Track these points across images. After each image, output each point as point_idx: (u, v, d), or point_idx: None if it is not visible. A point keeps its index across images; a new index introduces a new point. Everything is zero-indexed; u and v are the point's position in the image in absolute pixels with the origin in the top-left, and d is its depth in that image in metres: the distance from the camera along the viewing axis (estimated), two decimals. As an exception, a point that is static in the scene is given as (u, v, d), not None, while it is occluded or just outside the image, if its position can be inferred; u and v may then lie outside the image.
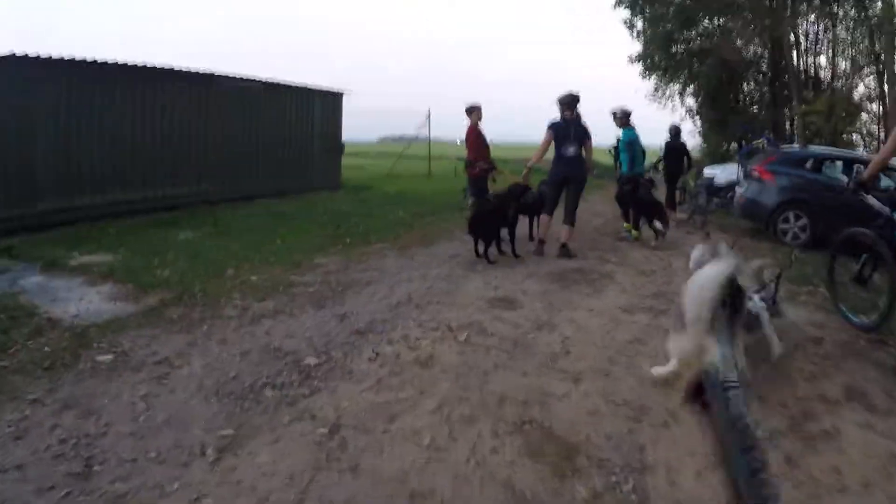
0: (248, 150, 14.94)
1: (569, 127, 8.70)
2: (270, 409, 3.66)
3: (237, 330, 5.07)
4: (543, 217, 8.93)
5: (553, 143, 8.77)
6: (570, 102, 8.79)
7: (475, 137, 10.31)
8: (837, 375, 4.38)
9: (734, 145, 30.32)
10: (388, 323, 5.28)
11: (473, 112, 10.31)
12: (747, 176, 12.32)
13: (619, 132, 11.39)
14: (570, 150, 8.71)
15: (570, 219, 8.84)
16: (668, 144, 14.38)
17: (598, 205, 15.39)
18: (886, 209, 5.51)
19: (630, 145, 11.06)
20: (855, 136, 27.09)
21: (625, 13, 30.92)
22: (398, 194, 16.27)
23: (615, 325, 5.46)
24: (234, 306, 5.71)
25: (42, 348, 4.70)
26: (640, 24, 30.98)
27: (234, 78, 14.37)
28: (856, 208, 10.03)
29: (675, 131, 14.36)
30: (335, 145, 18.39)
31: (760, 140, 16.91)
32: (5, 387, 3.98)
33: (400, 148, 28.55)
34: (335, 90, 18.34)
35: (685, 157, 14.27)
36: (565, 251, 8.65)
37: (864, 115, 27.21)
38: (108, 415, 3.58)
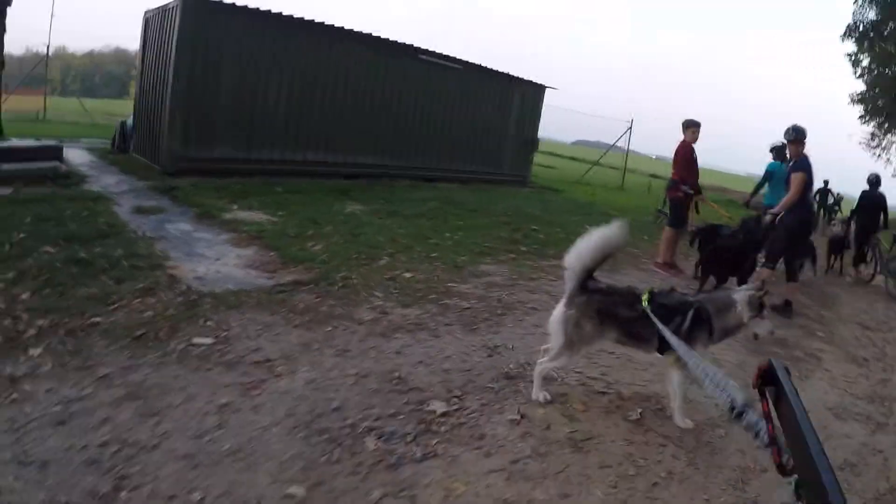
0: (438, 130, 14.33)
1: (811, 168, 7.24)
2: (364, 469, 2.75)
3: (364, 340, 4.20)
4: (765, 272, 7.33)
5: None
6: (804, 138, 7.30)
7: (687, 156, 8.95)
8: None
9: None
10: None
11: (690, 128, 8.93)
12: None
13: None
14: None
15: (794, 277, 7.66)
16: (863, 194, 12.02)
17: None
18: None
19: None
20: None
21: (851, 47, 27.77)
22: (587, 203, 15.07)
23: (825, 437, 4.02)
24: (373, 307, 4.83)
25: (144, 311, 4.14)
26: (866, 62, 27.81)
27: (436, 54, 13.76)
28: None
29: (875, 180, 11.89)
30: (530, 140, 17.42)
31: None
32: (84, 349, 3.49)
33: (595, 154, 27.28)
34: (538, 82, 17.39)
35: (882, 213, 11.76)
36: (788, 310, 7.32)
37: None
38: (170, 421, 2.92)
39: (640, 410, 3.83)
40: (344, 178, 11.36)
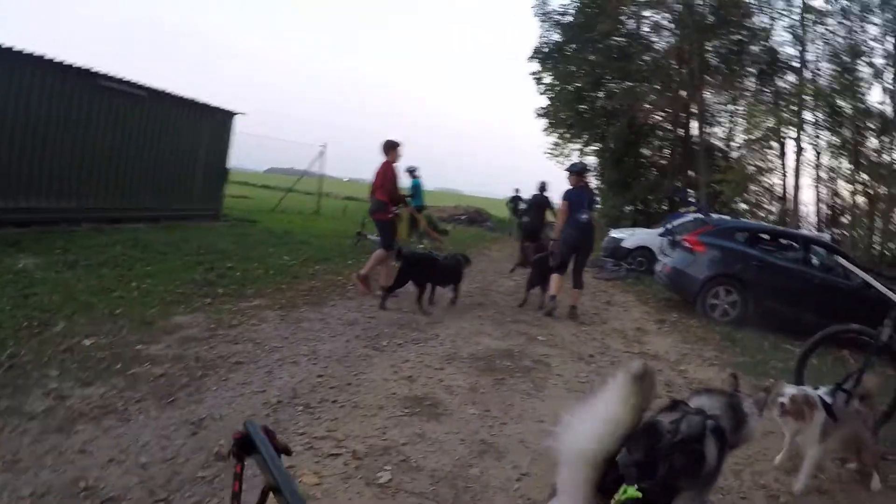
0: (123, 165, 12.99)
1: (582, 194, 9.16)
2: None
3: (38, 441, 3.35)
4: (556, 276, 9.14)
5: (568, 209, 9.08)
6: (582, 170, 9.64)
7: (393, 177, 8.95)
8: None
9: (627, 208, 30.87)
10: None
11: (394, 149, 8.92)
12: (675, 244, 11.69)
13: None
14: (584, 217, 9.04)
15: (579, 284, 9.30)
16: (533, 197, 15.08)
17: (503, 263, 14.33)
18: None
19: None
20: (744, 206, 28.24)
21: (536, 66, 31.27)
22: (284, 232, 14.61)
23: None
24: (47, 392, 3.95)
25: None
26: (548, 79, 31.25)
27: (114, 79, 12.38)
28: (795, 289, 9.82)
29: (542, 186, 14.82)
30: (221, 170, 16.60)
31: (691, 207, 17.00)
32: None
33: (289, 181, 26.94)
34: (226, 108, 16.63)
35: (546, 211, 14.50)
36: (573, 313, 9.03)
37: (751, 187, 28.26)
38: None
39: (382, 471, 3.46)
40: (15, 226, 9.81)
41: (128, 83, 12.75)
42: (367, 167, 9.16)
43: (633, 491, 2.05)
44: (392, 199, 8.89)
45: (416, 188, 15.40)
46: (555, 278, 9.17)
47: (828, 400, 3.92)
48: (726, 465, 3.83)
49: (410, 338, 6.61)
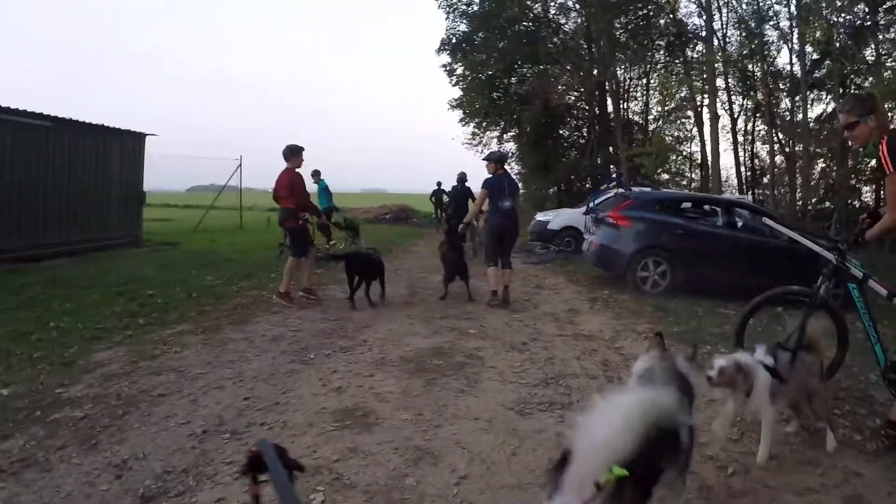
0: (35, 199, 12.68)
1: (502, 182, 9.44)
2: None
3: None
4: (491, 269, 9.42)
5: (489, 198, 9.44)
6: (500, 159, 9.93)
7: (300, 183, 9.09)
8: None
9: (551, 190, 31.20)
10: (190, 475, 3.57)
11: (297, 155, 9.06)
12: (599, 222, 11.90)
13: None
14: (507, 204, 9.35)
15: (508, 265, 9.62)
16: (453, 188, 16.29)
17: (430, 259, 14.39)
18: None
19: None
20: (665, 176, 28.75)
21: (446, 59, 31.28)
22: (207, 252, 14.43)
23: (519, 442, 4.13)
24: None
25: None
26: (460, 70, 31.31)
27: (14, 110, 12.06)
28: (722, 253, 10.08)
29: (462, 177, 16.03)
30: (137, 194, 16.26)
31: (612, 183, 17.31)
32: None
33: (211, 198, 26.56)
34: (136, 131, 16.34)
35: (467, 201, 15.12)
36: (506, 295, 9.39)
37: (671, 157, 28.86)
38: None
39: (320, 489, 3.44)
40: None
41: (29, 113, 12.43)
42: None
43: (619, 470, 2.00)
44: (302, 206, 8.94)
45: (323, 191, 15.89)
46: (491, 272, 9.43)
47: (768, 362, 3.94)
48: None
49: (338, 346, 6.60)
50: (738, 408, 4.06)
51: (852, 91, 21.16)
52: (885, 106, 15.68)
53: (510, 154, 14.37)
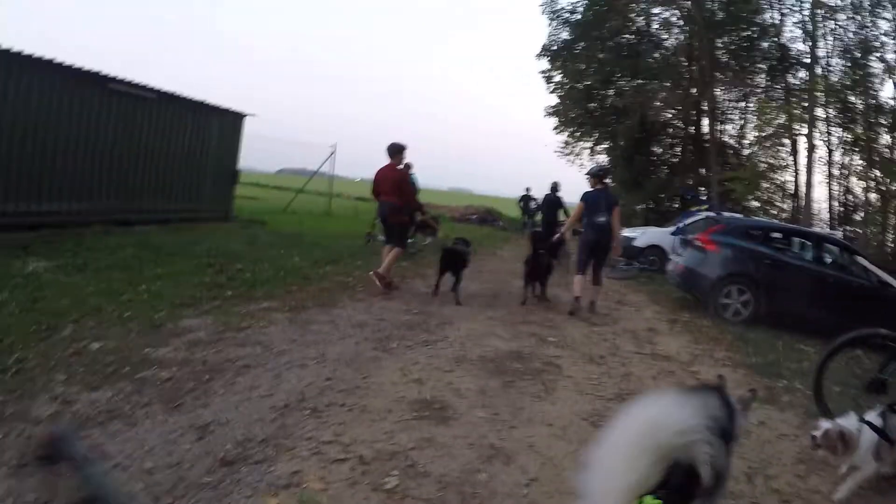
0: (133, 167, 13.00)
1: (600, 197, 9.55)
2: None
3: None
4: (578, 277, 9.50)
5: (585, 211, 9.60)
6: (599, 174, 10.05)
7: (408, 182, 9.53)
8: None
9: (639, 207, 30.80)
10: (269, 446, 3.57)
11: (400, 153, 9.24)
12: (686, 243, 11.71)
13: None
14: (602, 218, 9.42)
15: (597, 279, 9.78)
16: (546, 197, 16.10)
17: (514, 263, 14.29)
18: None
19: None
20: (756, 203, 28.19)
21: (545, 64, 31.24)
22: (295, 234, 14.57)
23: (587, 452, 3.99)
24: (54, 397, 3.91)
25: None
26: (558, 77, 31.20)
27: (124, 81, 12.42)
28: (808, 288, 9.73)
29: (554, 186, 16.04)
30: (231, 171, 16.61)
31: (704, 206, 17.06)
32: None
33: (300, 181, 26.90)
34: (236, 110, 16.64)
35: (560, 210, 15.50)
36: (592, 308, 9.56)
37: (763, 184, 28.17)
38: None
39: (389, 477, 3.40)
40: (25, 229, 9.78)
41: (137, 86, 12.81)
42: (377, 168, 9.26)
43: (651, 500, 1.88)
44: (410, 204, 9.13)
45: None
46: (577, 280, 9.49)
47: (877, 423, 3.86)
48: (739, 470, 3.78)
49: (420, 340, 6.56)
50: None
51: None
52: None
53: (606, 167, 14.69)
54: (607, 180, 10.81)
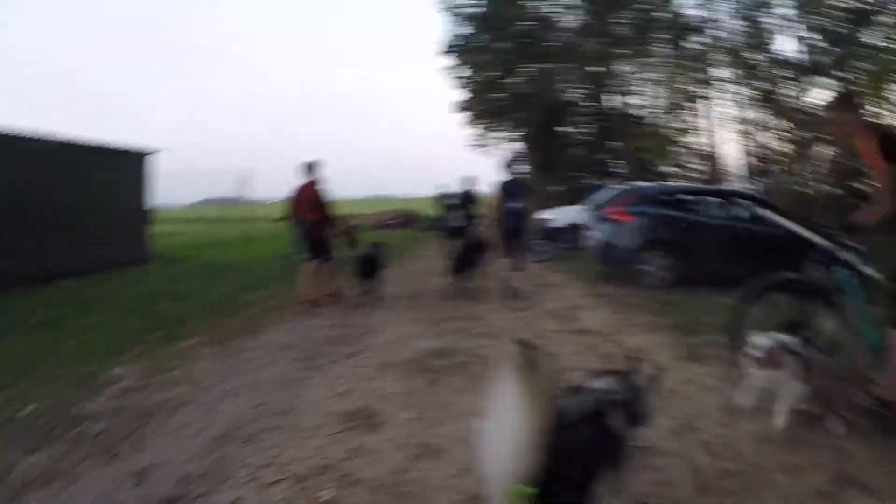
0: (38, 221, 12.79)
1: (513, 184, 10.34)
2: None
3: None
4: (503, 261, 10.45)
5: (503, 198, 10.25)
6: (510, 164, 10.90)
7: (324, 197, 9.56)
8: None
9: (556, 188, 31.25)
10: (207, 479, 3.73)
11: (316, 169, 9.56)
12: (601, 218, 11.98)
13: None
14: (515, 205, 10.17)
15: (519, 265, 10.44)
16: (463, 192, 15.22)
17: (436, 262, 14.55)
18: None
19: None
20: (672, 169, 28.86)
21: (450, 61, 31.42)
22: (218, 264, 14.65)
23: None
24: None
25: None
26: (464, 72, 31.48)
27: (16, 136, 12.28)
28: (723, 244, 10.23)
29: (469, 181, 15.14)
30: (146, 210, 16.50)
31: (613, 179, 17.41)
32: None
33: (220, 211, 26.74)
34: (141, 149, 16.55)
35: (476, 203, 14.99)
36: (514, 292, 10.08)
37: (676, 149, 28.87)
38: None
39: (324, 490, 3.58)
40: None
41: (31, 139, 12.65)
42: (295, 186, 9.57)
43: (521, 489, 1.98)
44: (327, 218, 9.39)
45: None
46: (502, 263, 10.46)
47: (800, 349, 4.19)
48: (667, 428, 4.02)
49: (345, 353, 6.73)
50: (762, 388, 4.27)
51: (852, 76, 21.17)
52: (883, 88, 15.78)
53: (518, 155, 15.10)
54: (520, 168, 11.45)
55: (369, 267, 10.03)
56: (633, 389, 2.91)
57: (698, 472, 3.68)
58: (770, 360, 4.07)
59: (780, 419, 4.12)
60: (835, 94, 5.04)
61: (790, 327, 4.56)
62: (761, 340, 4.14)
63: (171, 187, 24.23)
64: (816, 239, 5.19)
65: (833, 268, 4.93)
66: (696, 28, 27.79)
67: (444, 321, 8.25)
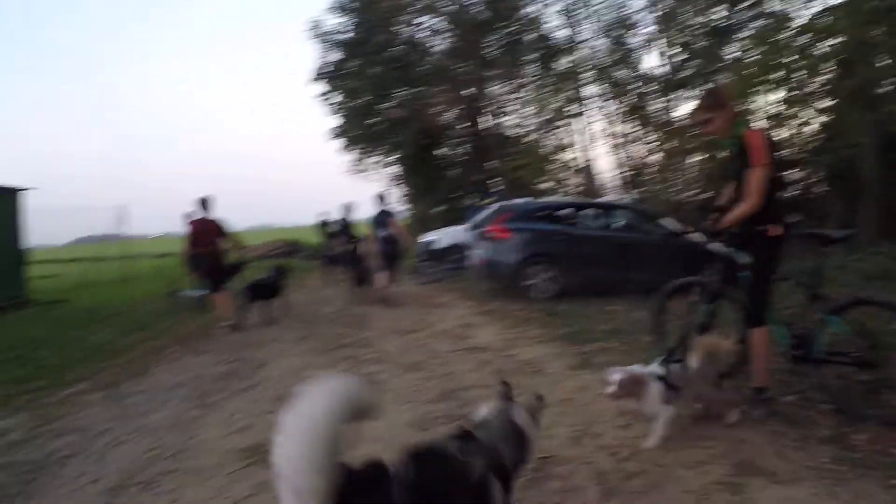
0: None
1: (381, 214, 12.34)
2: None
3: None
4: (380, 275, 12.45)
5: (374, 228, 12.33)
6: (378, 197, 12.50)
7: (226, 230, 10.09)
8: None
9: (435, 210, 31.63)
10: None
11: (209, 205, 9.94)
12: (481, 237, 12.29)
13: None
14: (385, 232, 12.28)
15: (393, 279, 12.64)
16: (341, 220, 16.39)
17: (322, 291, 14.68)
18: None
19: None
20: (549, 184, 29.50)
21: (322, 88, 31.41)
22: (98, 306, 14.14)
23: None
24: None
25: None
26: (336, 98, 31.54)
27: None
28: (603, 253, 10.92)
29: (348, 207, 16.29)
30: (16, 253, 15.82)
31: (493, 198, 17.84)
32: None
33: (97, 249, 25.82)
34: (10, 186, 15.87)
35: (353, 230, 16.00)
36: (388, 298, 12.24)
37: (551, 166, 29.56)
38: None
39: None
40: None
41: None
42: (176, 222, 9.71)
43: None
44: (230, 250, 10.28)
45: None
46: (380, 276, 12.45)
47: (661, 373, 4.33)
48: (565, 437, 4.28)
49: (239, 388, 6.73)
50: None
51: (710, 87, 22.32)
52: (743, 98, 16.75)
53: (388, 189, 16.15)
54: (389, 200, 12.84)
55: (268, 291, 10.79)
56: (515, 430, 2.88)
57: (603, 475, 3.92)
58: (623, 392, 4.22)
59: (651, 440, 4.30)
60: (704, 92, 5.29)
61: (702, 329, 4.88)
62: (613, 375, 4.26)
63: (43, 226, 23.21)
64: (693, 242, 5.43)
65: (715, 267, 5.08)
66: (563, 48, 28.70)
67: (335, 349, 8.34)
